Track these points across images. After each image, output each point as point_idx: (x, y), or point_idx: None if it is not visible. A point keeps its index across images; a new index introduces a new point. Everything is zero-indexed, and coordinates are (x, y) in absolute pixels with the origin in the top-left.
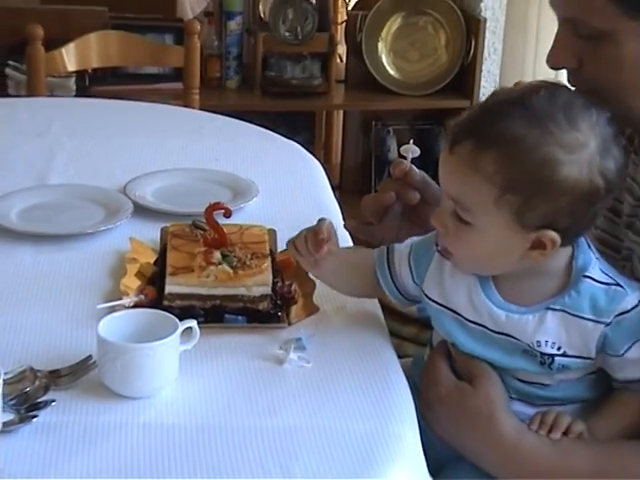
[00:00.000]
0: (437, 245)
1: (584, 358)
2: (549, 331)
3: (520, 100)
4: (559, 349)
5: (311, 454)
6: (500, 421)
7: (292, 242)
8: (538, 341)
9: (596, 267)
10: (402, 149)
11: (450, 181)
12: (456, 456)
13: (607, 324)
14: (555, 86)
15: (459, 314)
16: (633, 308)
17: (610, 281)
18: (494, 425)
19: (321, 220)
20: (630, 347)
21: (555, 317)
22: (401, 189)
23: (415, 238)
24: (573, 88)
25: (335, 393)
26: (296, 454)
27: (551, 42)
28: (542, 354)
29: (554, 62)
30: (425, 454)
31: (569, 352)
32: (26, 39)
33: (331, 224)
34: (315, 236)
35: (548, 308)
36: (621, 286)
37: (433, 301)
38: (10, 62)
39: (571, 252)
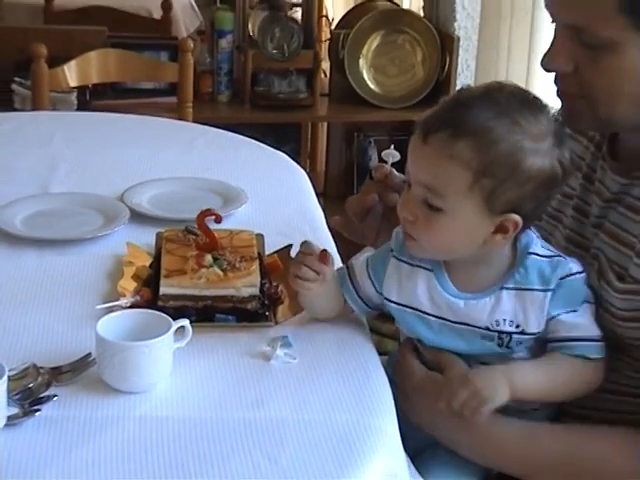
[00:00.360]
0: (392, 250)
1: (538, 333)
2: (506, 309)
3: (487, 94)
4: (517, 327)
5: (297, 444)
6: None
7: (294, 276)
8: (497, 320)
9: (538, 244)
10: (383, 154)
11: (424, 169)
12: (432, 443)
13: (552, 290)
14: (511, 86)
15: (420, 310)
16: (574, 274)
17: (552, 254)
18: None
19: (305, 242)
20: (564, 313)
21: (510, 295)
22: (382, 191)
23: (369, 253)
24: (557, 90)
25: (319, 387)
26: (283, 444)
27: (523, 57)
28: (500, 333)
29: (550, 66)
30: (403, 442)
31: (525, 328)
32: (31, 57)
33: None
34: (313, 255)
35: (502, 288)
36: (562, 257)
37: (394, 302)
38: (16, 78)
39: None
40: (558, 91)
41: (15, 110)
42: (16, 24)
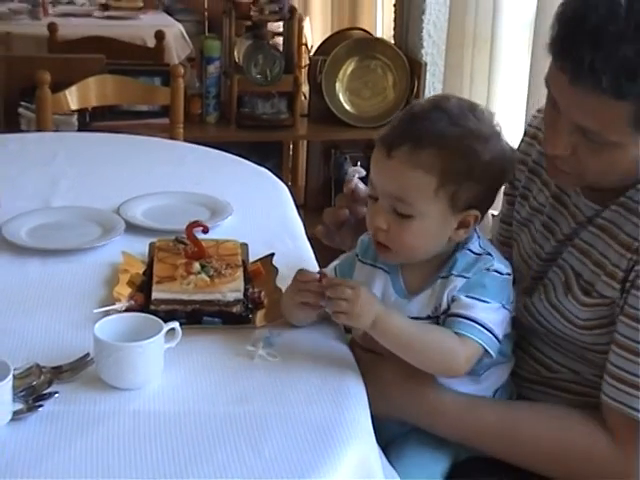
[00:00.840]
0: (357, 255)
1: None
2: (440, 295)
3: (438, 106)
4: (446, 311)
5: (278, 436)
6: (417, 381)
7: (300, 304)
8: (435, 307)
9: (476, 243)
10: (350, 170)
11: (391, 181)
12: (401, 433)
13: (468, 278)
14: (454, 97)
15: None
16: (494, 270)
17: (483, 252)
18: (412, 385)
19: (300, 270)
20: (464, 295)
21: (443, 282)
22: (351, 204)
23: (337, 261)
24: (549, 160)
25: (298, 383)
26: (265, 436)
27: (484, 81)
28: (438, 318)
29: (553, 152)
30: (375, 433)
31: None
32: (36, 83)
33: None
34: (312, 280)
35: (439, 277)
36: (492, 255)
37: None
38: (22, 102)
39: None
40: (549, 161)
41: (21, 131)
42: (23, 53)
